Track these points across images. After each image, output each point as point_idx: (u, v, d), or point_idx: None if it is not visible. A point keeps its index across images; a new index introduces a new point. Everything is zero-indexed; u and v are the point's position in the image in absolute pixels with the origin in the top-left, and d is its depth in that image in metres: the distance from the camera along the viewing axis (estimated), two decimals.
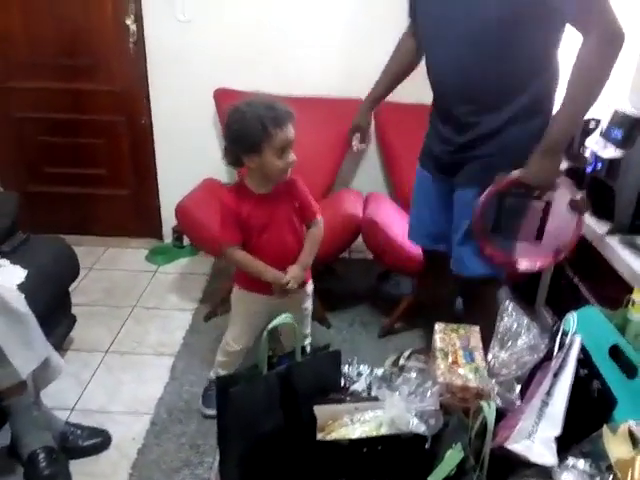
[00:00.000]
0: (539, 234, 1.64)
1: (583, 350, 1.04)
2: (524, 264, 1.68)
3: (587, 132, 2.26)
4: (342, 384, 1.26)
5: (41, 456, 1.62)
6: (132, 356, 2.36)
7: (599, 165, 2.12)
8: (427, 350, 1.31)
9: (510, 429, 0.95)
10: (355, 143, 2.06)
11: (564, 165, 2.39)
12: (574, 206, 1.63)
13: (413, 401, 1.04)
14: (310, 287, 1.96)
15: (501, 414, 1.02)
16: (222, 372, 1.97)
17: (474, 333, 1.24)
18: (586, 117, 2.24)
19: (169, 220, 3.13)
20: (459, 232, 1.73)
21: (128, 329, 2.54)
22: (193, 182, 2.77)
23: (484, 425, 0.92)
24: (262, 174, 1.70)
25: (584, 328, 1.09)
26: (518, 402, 1.09)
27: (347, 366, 1.31)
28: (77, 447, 1.82)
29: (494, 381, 1.12)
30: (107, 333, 2.49)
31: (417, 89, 2.82)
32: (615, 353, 1.10)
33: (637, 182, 1.97)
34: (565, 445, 0.93)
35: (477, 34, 1.52)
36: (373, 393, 1.20)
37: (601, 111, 2.19)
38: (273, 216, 1.76)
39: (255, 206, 1.73)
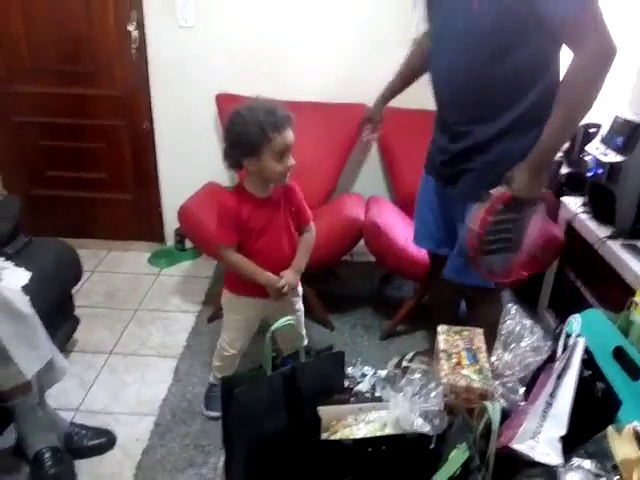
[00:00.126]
0: (520, 245, 1.63)
1: (587, 352, 1.05)
2: (512, 274, 1.69)
3: (588, 137, 2.28)
4: (346, 385, 1.27)
5: (46, 456, 1.63)
6: (135, 358, 2.37)
7: (600, 170, 2.13)
8: (430, 352, 1.31)
9: (514, 429, 0.96)
10: (366, 134, 2.07)
11: (564, 170, 2.41)
12: (550, 214, 1.65)
13: (417, 402, 1.05)
14: (300, 289, 1.98)
15: (505, 415, 1.02)
16: (220, 376, 1.98)
17: (477, 335, 1.25)
18: (586, 122, 2.27)
19: (171, 223, 3.14)
20: (457, 242, 1.75)
21: (131, 331, 2.55)
22: (195, 186, 2.78)
23: (488, 425, 0.93)
24: (261, 178, 1.72)
25: (587, 331, 1.09)
26: (522, 403, 1.10)
27: (351, 367, 1.32)
28: (82, 447, 1.83)
29: (498, 382, 1.13)
30: (110, 335, 2.50)
31: (419, 95, 2.84)
32: (619, 355, 1.11)
33: (638, 187, 1.98)
34: (570, 446, 0.94)
35: (472, 44, 1.52)
36: (377, 394, 1.21)
37: (601, 116, 2.21)
38: (272, 220, 1.78)
39: (255, 209, 1.75)
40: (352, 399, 1.16)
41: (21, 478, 1.74)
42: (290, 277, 1.81)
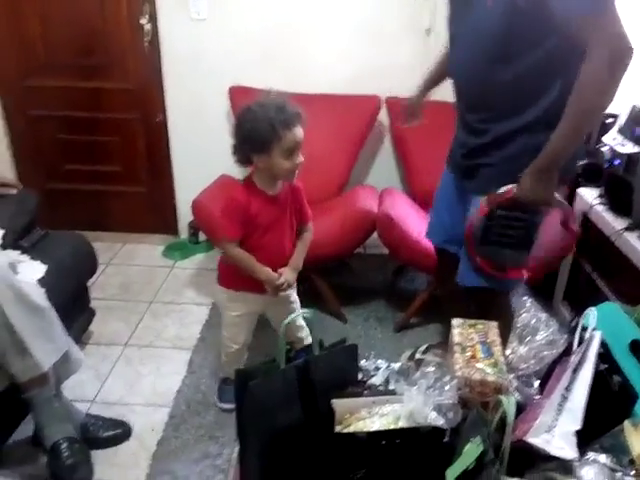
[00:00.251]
0: (528, 245, 1.59)
1: (603, 345, 1.04)
2: (513, 274, 1.66)
3: (605, 128, 2.25)
4: (359, 378, 1.27)
5: (63, 446, 1.65)
6: (150, 349, 2.39)
7: (617, 161, 2.10)
8: (443, 345, 1.31)
9: (529, 423, 0.96)
10: (406, 120, 2.05)
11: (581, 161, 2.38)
12: (565, 225, 1.59)
13: (431, 395, 1.05)
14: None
15: (520, 408, 1.02)
16: (229, 371, 2.01)
17: (492, 329, 1.24)
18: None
19: (185, 216, 3.15)
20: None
21: (146, 323, 2.57)
22: (209, 178, 2.79)
23: (503, 419, 0.93)
24: (270, 174, 1.74)
25: (604, 324, 1.08)
26: (537, 397, 1.09)
27: (364, 360, 1.32)
28: (98, 438, 1.86)
29: (512, 375, 1.13)
30: (125, 327, 2.52)
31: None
32: (635, 348, 1.09)
33: None
34: (586, 440, 0.93)
35: (484, 43, 1.49)
36: (390, 387, 1.21)
37: (619, 107, 2.18)
38: (279, 218, 1.81)
39: (264, 205, 1.76)
40: (366, 392, 1.16)
41: (39, 468, 1.77)
42: (289, 275, 1.84)
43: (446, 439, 1.02)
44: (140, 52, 2.93)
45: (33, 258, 1.96)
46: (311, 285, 2.56)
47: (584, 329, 1.08)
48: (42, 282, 1.82)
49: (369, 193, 2.70)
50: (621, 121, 2.16)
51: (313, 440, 1.12)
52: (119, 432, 1.91)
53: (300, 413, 1.15)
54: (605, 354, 1.05)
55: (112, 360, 2.31)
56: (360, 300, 2.74)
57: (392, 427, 1.03)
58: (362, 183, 3.03)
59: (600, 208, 2.21)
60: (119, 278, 2.92)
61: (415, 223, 2.43)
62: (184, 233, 3.29)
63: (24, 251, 2.00)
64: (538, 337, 1.14)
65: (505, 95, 1.51)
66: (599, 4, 1.28)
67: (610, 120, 2.26)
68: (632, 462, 0.87)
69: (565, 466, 0.91)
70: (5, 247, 1.94)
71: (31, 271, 1.89)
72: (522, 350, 1.15)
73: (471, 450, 0.92)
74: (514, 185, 1.51)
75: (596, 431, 0.94)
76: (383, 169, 3.11)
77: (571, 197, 2.38)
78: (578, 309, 1.14)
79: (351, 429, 1.05)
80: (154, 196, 3.27)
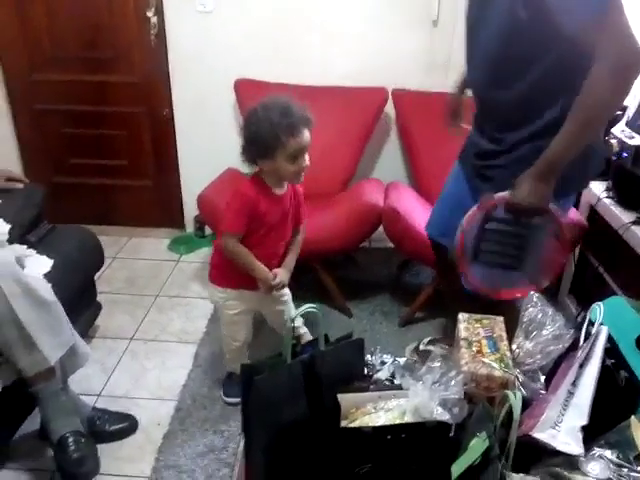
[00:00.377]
0: (518, 263, 1.53)
1: (610, 340, 1.03)
2: (503, 294, 1.58)
3: (613, 120, 2.23)
4: (365, 372, 1.27)
5: (70, 440, 1.65)
6: (156, 343, 2.40)
7: (625, 154, 2.08)
8: (446, 339, 1.31)
9: (535, 418, 0.95)
10: (452, 126, 1.97)
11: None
12: (560, 238, 1.51)
13: (437, 390, 1.05)
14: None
15: (526, 403, 1.02)
16: (234, 366, 2.03)
17: (498, 323, 1.24)
18: None
19: (191, 210, 3.16)
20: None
21: (152, 317, 2.57)
22: (214, 172, 2.79)
23: (509, 414, 0.92)
24: (276, 176, 1.74)
25: (610, 318, 1.08)
26: (543, 392, 1.09)
27: (370, 355, 1.32)
28: (104, 432, 1.86)
29: (518, 370, 1.12)
30: (131, 321, 2.53)
31: (440, 78, 2.83)
32: None
33: None
34: (592, 435, 0.93)
35: (493, 62, 1.48)
36: (396, 382, 1.21)
37: (628, 100, 2.16)
38: (283, 217, 1.82)
39: (272, 203, 1.77)
40: (371, 387, 1.17)
41: (46, 461, 1.78)
42: (284, 276, 1.87)
43: (452, 434, 1.02)
44: (146, 45, 2.92)
45: (40, 252, 1.97)
46: (316, 279, 2.56)
47: (591, 324, 1.07)
48: (49, 276, 1.83)
49: (375, 187, 2.69)
50: (630, 113, 2.14)
51: (319, 434, 1.13)
52: (125, 426, 1.92)
53: (306, 407, 1.15)
54: (612, 349, 1.04)
55: (118, 354, 2.32)
56: (365, 294, 2.74)
57: (398, 422, 1.03)
58: (368, 177, 3.02)
59: (608, 201, 2.19)
60: (125, 272, 2.92)
61: (421, 217, 2.42)
62: (190, 227, 3.29)
63: (31, 245, 2.00)
64: (544, 332, 1.14)
65: (515, 109, 1.50)
66: (603, 7, 1.24)
67: (619, 113, 2.24)
68: (638, 458, 0.87)
69: (571, 461, 0.91)
70: (12, 242, 1.94)
71: (38, 265, 1.89)
72: (528, 345, 1.14)
73: (477, 445, 0.92)
74: (509, 191, 1.48)
75: (602, 426, 0.94)
76: (389, 163, 3.10)
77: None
78: (584, 304, 1.14)
79: (357, 424, 1.06)
80: (160, 190, 3.28)
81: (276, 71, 2.85)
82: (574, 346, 1.09)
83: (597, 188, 2.28)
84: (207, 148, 3.09)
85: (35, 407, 1.76)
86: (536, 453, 0.95)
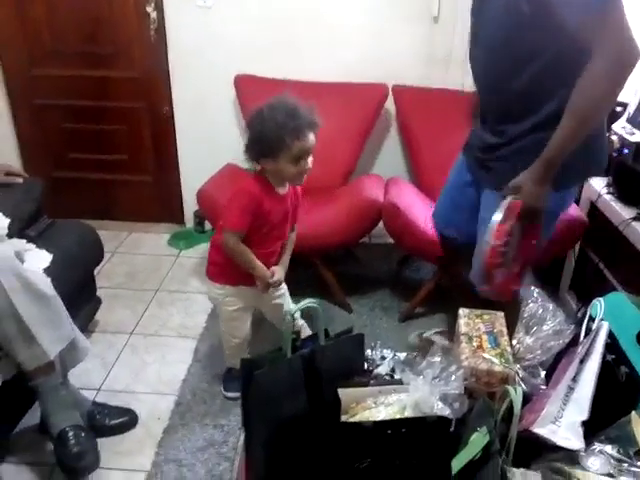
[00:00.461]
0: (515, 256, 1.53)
1: (610, 336, 1.04)
2: (501, 286, 1.57)
3: (614, 116, 2.23)
4: (365, 367, 1.27)
5: (70, 434, 1.65)
6: (156, 338, 2.40)
7: (626, 150, 2.08)
8: (447, 333, 1.31)
9: (536, 413, 0.96)
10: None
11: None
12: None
13: (437, 385, 1.05)
14: None
15: (526, 399, 1.02)
16: (234, 362, 2.03)
17: (499, 319, 1.24)
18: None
19: (190, 205, 3.15)
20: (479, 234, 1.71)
21: (151, 312, 2.57)
22: (214, 167, 2.78)
23: (509, 409, 0.92)
24: (278, 177, 1.74)
25: (611, 314, 1.08)
26: (543, 387, 1.09)
27: (370, 350, 1.32)
28: (104, 426, 1.86)
29: (519, 366, 1.12)
30: (131, 315, 2.53)
31: (440, 74, 2.82)
32: None
33: None
34: (593, 430, 0.93)
35: (497, 49, 1.48)
36: (396, 376, 1.21)
37: (628, 95, 2.16)
38: (284, 216, 1.83)
39: (275, 203, 1.77)
40: (372, 382, 1.17)
41: (46, 455, 1.78)
42: (281, 274, 1.89)
43: (452, 429, 1.02)
44: (146, 40, 2.91)
45: (39, 247, 1.96)
46: (316, 274, 2.56)
47: (591, 319, 1.07)
48: (48, 271, 1.82)
49: (375, 182, 2.68)
50: (630, 110, 2.14)
51: (319, 429, 1.13)
52: (125, 420, 1.92)
53: (306, 402, 1.15)
54: (612, 345, 1.04)
55: (118, 348, 2.32)
56: (365, 290, 2.74)
57: (398, 417, 1.03)
58: (368, 172, 3.02)
59: (608, 197, 2.19)
60: (125, 267, 2.92)
61: (421, 213, 2.42)
62: (190, 222, 3.29)
63: (30, 240, 1.99)
64: (545, 327, 1.14)
65: (516, 102, 1.50)
66: (604, 5, 1.25)
67: (619, 109, 2.24)
68: (639, 453, 0.87)
69: (571, 456, 0.91)
70: (11, 236, 1.94)
71: (37, 260, 1.89)
72: (528, 340, 1.15)
73: (477, 440, 0.92)
74: (511, 197, 1.47)
75: (602, 422, 0.94)
76: (389, 158, 3.09)
77: (579, 186, 2.36)
78: (585, 299, 1.14)
79: (357, 418, 1.06)
80: (160, 185, 3.27)
81: (276, 67, 2.84)
82: (574, 342, 1.09)
83: (597, 184, 2.28)
84: (207, 143, 3.08)
85: (35, 401, 1.76)
86: (536, 448, 0.95)
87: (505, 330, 1.20)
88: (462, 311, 1.26)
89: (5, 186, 2.10)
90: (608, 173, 2.26)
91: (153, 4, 2.82)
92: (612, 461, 0.87)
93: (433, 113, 2.78)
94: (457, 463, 0.93)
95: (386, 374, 1.24)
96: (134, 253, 3.07)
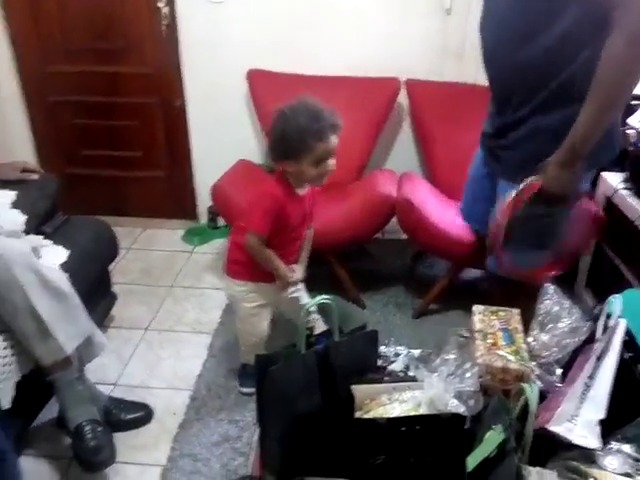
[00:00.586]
0: (550, 242, 1.54)
1: (628, 333, 1.03)
2: (537, 273, 1.58)
3: (630, 110, 2.20)
4: (379, 364, 1.27)
5: (87, 429, 1.67)
6: (171, 334, 2.42)
7: None
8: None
9: (551, 411, 0.95)
10: None
11: None
12: (583, 222, 1.51)
13: (452, 382, 1.05)
14: None
15: (542, 396, 1.01)
16: (249, 358, 2.02)
17: (514, 315, 1.23)
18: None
19: (204, 201, 3.16)
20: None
21: (166, 307, 2.59)
22: (227, 163, 2.79)
23: (525, 407, 0.92)
24: (299, 178, 1.74)
25: (628, 311, 1.07)
26: (559, 385, 1.08)
27: (384, 346, 1.32)
28: (120, 420, 1.88)
29: (534, 363, 1.12)
30: (146, 311, 2.55)
31: (453, 68, 2.80)
32: None
33: None
34: (610, 429, 0.92)
35: (503, 25, 1.47)
36: (410, 373, 1.21)
37: None
38: (303, 217, 1.83)
39: (295, 204, 1.77)
40: (385, 378, 1.17)
41: (63, 449, 1.81)
42: (301, 273, 1.91)
43: (467, 426, 1.01)
44: (158, 36, 2.91)
45: (55, 243, 1.99)
46: (330, 271, 2.56)
47: (608, 316, 1.06)
48: (65, 267, 1.85)
49: (388, 178, 2.67)
50: None
51: (333, 425, 1.13)
52: (141, 415, 1.94)
53: (320, 399, 1.16)
54: (630, 342, 1.03)
55: (133, 344, 2.34)
56: (379, 286, 2.73)
57: (412, 413, 1.04)
58: (381, 167, 3.00)
59: (624, 192, 2.17)
60: (140, 263, 2.94)
61: (434, 208, 2.41)
62: (203, 218, 3.30)
63: (47, 236, 2.02)
64: (561, 324, 1.13)
65: (524, 75, 1.48)
66: None
67: (636, 102, 2.21)
68: None
69: (588, 455, 0.90)
70: (28, 232, 1.96)
71: (54, 256, 1.91)
72: (544, 337, 1.14)
73: (492, 438, 0.92)
74: (537, 176, 1.47)
75: (620, 420, 0.93)
76: (402, 153, 3.08)
77: (595, 181, 2.33)
78: (601, 296, 1.12)
79: (371, 415, 1.06)
80: (173, 181, 3.28)
81: (288, 61, 2.84)
82: (591, 339, 1.08)
83: (614, 179, 2.25)
84: (219, 139, 3.08)
85: (53, 396, 1.78)
86: (552, 447, 0.95)
87: (520, 327, 1.19)
88: (476, 308, 1.26)
89: (21, 183, 2.12)
90: (624, 168, 2.23)
91: None
92: (630, 460, 0.86)
93: (446, 107, 2.76)
94: (472, 461, 0.93)
95: (400, 371, 1.23)
96: (148, 249, 3.09)
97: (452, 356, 1.09)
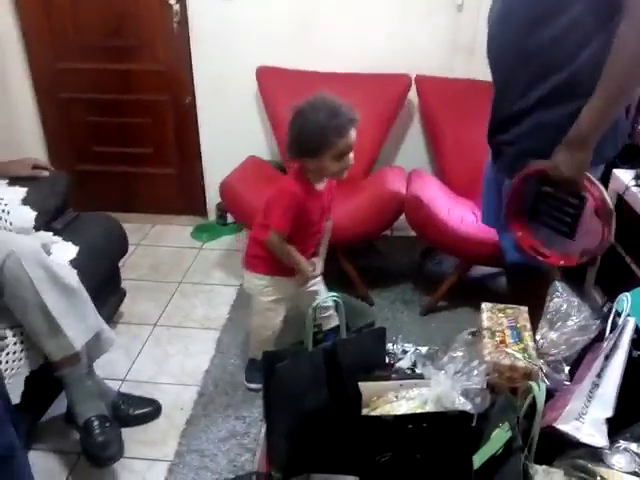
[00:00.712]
0: (570, 231, 1.51)
1: (637, 331, 1.02)
2: (550, 257, 1.57)
3: None
4: (387, 361, 1.27)
5: (95, 424, 1.68)
6: (179, 329, 2.43)
7: None
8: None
9: (559, 410, 0.94)
10: None
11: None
12: (599, 214, 1.45)
13: (459, 379, 1.04)
14: None
15: (549, 394, 1.01)
16: (258, 353, 2.00)
17: (522, 313, 1.22)
18: None
19: (213, 198, 3.17)
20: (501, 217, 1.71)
21: (175, 303, 2.60)
22: (237, 160, 2.79)
23: (532, 405, 0.91)
24: (319, 174, 1.75)
25: (638, 309, 1.06)
26: (567, 383, 1.08)
27: (391, 343, 1.32)
28: (129, 416, 1.89)
29: (542, 361, 1.11)
30: (155, 307, 2.56)
31: (464, 64, 2.79)
32: None
33: None
34: (617, 428, 0.92)
35: (507, 13, 1.46)
36: (418, 371, 1.21)
37: None
38: (323, 212, 1.84)
39: (314, 200, 1.78)
40: (393, 375, 1.16)
41: (72, 444, 1.82)
42: (320, 266, 1.93)
43: (474, 424, 1.01)
44: (169, 33, 2.92)
45: (65, 239, 2.00)
46: (338, 268, 2.55)
47: (617, 315, 1.05)
48: (74, 263, 1.86)
49: (397, 174, 2.66)
50: None
51: (340, 422, 1.13)
52: (149, 410, 1.95)
53: (327, 395, 1.16)
54: (639, 340, 1.02)
55: (142, 340, 2.35)
56: (387, 283, 2.73)
57: (419, 411, 1.03)
58: (390, 164, 3.00)
59: (636, 190, 2.15)
60: (149, 259, 2.96)
61: (443, 205, 2.40)
62: (212, 215, 3.31)
63: (57, 232, 2.03)
64: (569, 322, 1.12)
65: (526, 66, 1.47)
66: None
67: None
68: None
69: (595, 454, 0.90)
70: (38, 229, 1.98)
71: (64, 252, 1.93)
72: (553, 335, 1.13)
73: (499, 436, 0.92)
74: (546, 160, 1.46)
75: (628, 419, 0.93)
76: (412, 150, 3.07)
77: (606, 178, 2.31)
78: (611, 294, 1.12)
79: (378, 412, 1.06)
80: (183, 178, 3.30)
81: (299, 58, 2.84)
82: (600, 337, 1.07)
83: (625, 176, 2.23)
84: (229, 136, 3.09)
85: (62, 391, 1.79)
86: (559, 445, 0.94)
87: (529, 325, 1.18)
88: (485, 305, 1.25)
89: (32, 179, 2.13)
90: (635, 165, 2.21)
91: None
92: (637, 459, 0.86)
93: (457, 104, 2.74)
94: (478, 458, 0.93)
95: (407, 368, 1.23)
96: (158, 245, 3.10)
97: (460, 353, 1.09)
